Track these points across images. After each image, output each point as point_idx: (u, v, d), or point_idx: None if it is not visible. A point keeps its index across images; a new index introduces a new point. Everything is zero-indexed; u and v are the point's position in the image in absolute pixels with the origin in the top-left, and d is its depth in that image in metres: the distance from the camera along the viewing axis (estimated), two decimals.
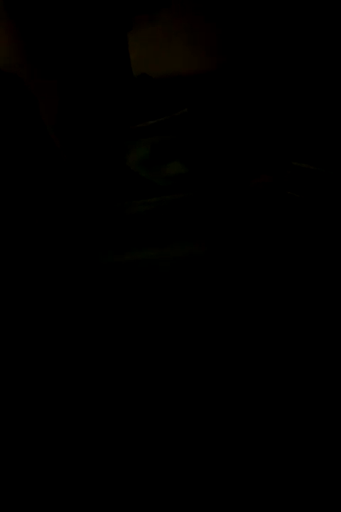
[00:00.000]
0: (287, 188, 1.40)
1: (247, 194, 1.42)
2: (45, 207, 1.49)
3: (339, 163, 1.39)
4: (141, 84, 1.50)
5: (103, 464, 1.27)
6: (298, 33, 1.47)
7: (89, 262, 1.44)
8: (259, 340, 1.32)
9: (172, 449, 1.30)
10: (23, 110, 1.51)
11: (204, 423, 1.28)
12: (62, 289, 1.41)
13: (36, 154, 1.50)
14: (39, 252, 1.45)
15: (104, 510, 1.25)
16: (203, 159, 1.47)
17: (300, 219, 1.38)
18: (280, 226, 1.39)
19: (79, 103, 1.51)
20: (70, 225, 1.50)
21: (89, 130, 1.50)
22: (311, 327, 1.32)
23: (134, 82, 1.48)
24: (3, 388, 1.31)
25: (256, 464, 1.28)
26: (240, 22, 1.51)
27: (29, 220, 1.47)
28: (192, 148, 1.48)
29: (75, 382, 1.32)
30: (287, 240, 1.38)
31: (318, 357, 1.30)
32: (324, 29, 1.45)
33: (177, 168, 1.47)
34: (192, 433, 1.27)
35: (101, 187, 1.50)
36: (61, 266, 1.43)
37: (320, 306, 1.33)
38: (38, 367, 1.33)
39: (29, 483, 1.25)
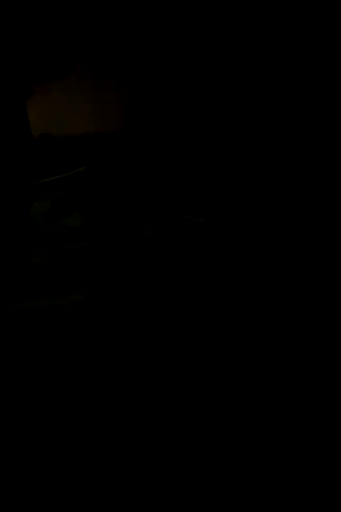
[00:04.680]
0: (174, 237, 1.58)
1: (138, 243, 1.59)
2: None
3: (218, 216, 1.58)
4: (42, 143, 1.65)
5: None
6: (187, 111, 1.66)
7: None
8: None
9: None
10: None
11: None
12: None
13: None
14: None
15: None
16: (99, 212, 1.63)
17: (184, 263, 1.55)
18: (168, 269, 1.55)
19: None
20: None
21: None
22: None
23: (34, 142, 1.62)
24: None
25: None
26: (136, 89, 1.69)
27: None
28: (89, 202, 1.64)
29: None
30: (174, 281, 1.55)
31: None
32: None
33: (76, 221, 1.62)
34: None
35: (5, 238, 1.63)
36: None
37: (201, 343, 1.47)
38: None
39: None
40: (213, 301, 1.52)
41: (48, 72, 1.58)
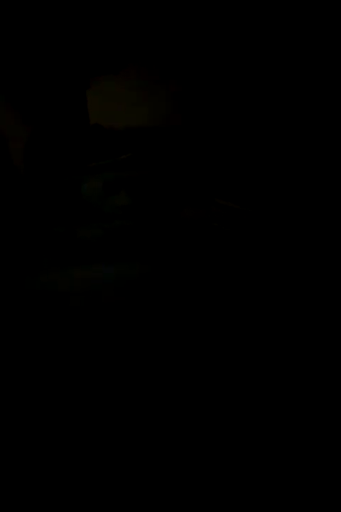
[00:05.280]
0: (212, 220, 1.76)
1: (177, 223, 1.78)
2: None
3: (253, 203, 1.75)
4: (95, 131, 1.85)
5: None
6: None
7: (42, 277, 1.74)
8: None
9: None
10: None
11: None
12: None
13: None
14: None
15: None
16: (143, 194, 1.82)
17: (223, 244, 1.73)
18: (207, 249, 1.73)
19: (44, 144, 1.84)
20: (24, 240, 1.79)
21: (51, 166, 1.83)
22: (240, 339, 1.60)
23: (89, 130, 1.82)
24: None
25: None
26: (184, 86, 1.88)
27: None
28: (135, 184, 1.83)
29: None
30: (213, 260, 1.72)
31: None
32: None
33: (123, 200, 1.81)
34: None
35: (59, 212, 1.82)
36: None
37: (243, 319, 1.63)
38: None
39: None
40: (244, 281, 1.68)
41: (103, 67, 1.77)
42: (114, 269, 1.76)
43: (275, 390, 1.46)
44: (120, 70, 1.78)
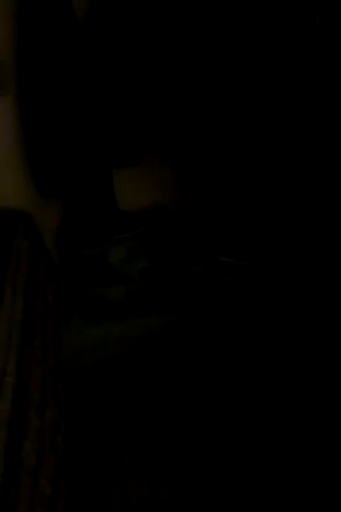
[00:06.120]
0: (217, 273, 2.21)
1: (189, 278, 2.21)
2: None
3: (251, 257, 2.21)
4: (116, 213, 2.28)
5: None
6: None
7: None
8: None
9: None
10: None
11: None
12: None
13: None
14: None
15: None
16: (158, 258, 2.25)
17: (227, 294, 2.17)
18: (215, 298, 2.17)
19: (74, 221, 2.25)
20: None
21: (81, 242, 2.23)
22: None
23: (112, 212, 2.26)
24: None
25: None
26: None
27: None
28: (152, 251, 2.25)
29: None
30: (222, 309, 2.15)
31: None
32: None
33: (143, 263, 2.23)
34: None
35: (91, 277, 2.21)
36: None
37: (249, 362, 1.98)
38: None
39: None
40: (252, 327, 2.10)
41: (126, 162, 2.23)
42: (138, 321, 2.17)
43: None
44: (138, 163, 2.24)
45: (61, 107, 2.08)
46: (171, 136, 2.24)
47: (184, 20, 2.11)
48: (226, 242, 2.25)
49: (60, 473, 1.00)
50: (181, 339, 2.10)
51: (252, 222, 2.24)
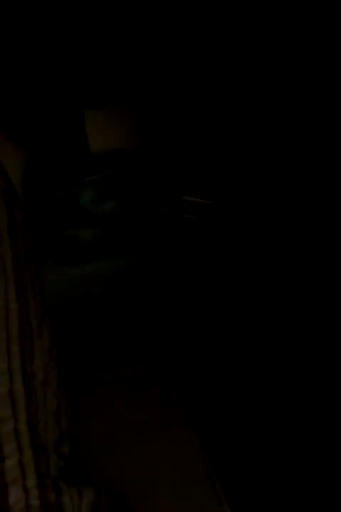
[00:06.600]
0: (182, 213, 2.31)
1: (158, 218, 2.31)
2: None
3: (216, 196, 2.32)
4: (83, 155, 2.34)
5: None
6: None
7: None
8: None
9: None
10: None
11: None
12: None
13: None
14: None
15: None
16: (127, 199, 2.34)
17: (193, 232, 2.28)
18: (180, 237, 2.28)
19: (42, 164, 2.31)
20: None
21: (50, 184, 2.30)
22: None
23: (80, 153, 2.32)
24: None
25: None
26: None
27: None
28: (120, 192, 2.34)
29: None
30: (185, 247, 2.27)
31: None
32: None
33: (111, 205, 2.31)
34: None
35: (61, 219, 2.29)
36: None
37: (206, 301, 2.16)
38: None
39: None
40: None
41: (91, 102, 2.28)
42: (108, 262, 2.27)
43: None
44: (104, 105, 2.29)
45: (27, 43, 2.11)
46: (136, 81, 2.31)
47: None
48: (191, 183, 2.35)
49: (61, 389, 1.10)
50: (150, 276, 2.22)
51: (216, 162, 2.34)
